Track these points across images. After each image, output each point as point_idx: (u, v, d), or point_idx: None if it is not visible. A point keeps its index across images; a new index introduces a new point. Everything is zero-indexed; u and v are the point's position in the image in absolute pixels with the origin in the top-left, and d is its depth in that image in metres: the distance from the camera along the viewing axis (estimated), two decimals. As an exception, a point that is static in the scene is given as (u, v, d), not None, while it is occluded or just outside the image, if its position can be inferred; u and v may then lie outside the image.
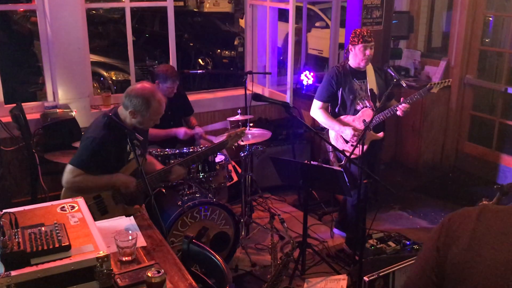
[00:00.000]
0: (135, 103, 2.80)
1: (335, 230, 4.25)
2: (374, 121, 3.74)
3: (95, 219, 2.79)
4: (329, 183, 3.48)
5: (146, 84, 2.91)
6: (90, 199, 2.89)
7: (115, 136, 2.83)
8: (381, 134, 3.91)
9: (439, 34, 6.23)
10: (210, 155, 3.30)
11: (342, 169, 3.30)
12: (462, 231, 1.42)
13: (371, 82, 3.88)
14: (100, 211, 2.93)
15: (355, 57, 3.79)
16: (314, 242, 4.03)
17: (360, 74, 3.86)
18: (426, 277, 1.48)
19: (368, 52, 3.73)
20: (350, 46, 3.78)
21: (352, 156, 3.53)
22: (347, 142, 3.88)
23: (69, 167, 2.81)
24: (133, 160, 2.97)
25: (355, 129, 3.78)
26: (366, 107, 3.84)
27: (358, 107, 3.86)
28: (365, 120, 3.62)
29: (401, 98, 3.79)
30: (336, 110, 3.91)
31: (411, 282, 1.56)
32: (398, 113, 3.75)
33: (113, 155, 2.87)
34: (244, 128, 3.51)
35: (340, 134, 3.88)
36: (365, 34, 3.70)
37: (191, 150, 3.71)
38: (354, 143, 3.78)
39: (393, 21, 5.45)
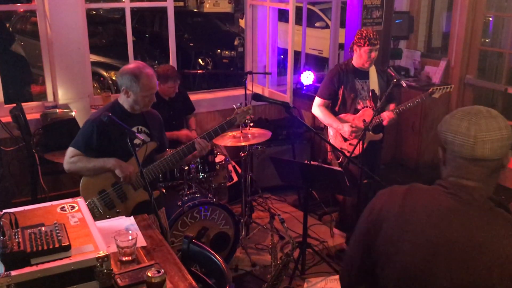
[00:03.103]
0: (125, 80, 2.83)
1: (335, 230, 4.25)
2: (373, 122, 3.75)
3: (116, 206, 2.85)
4: (329, 183, 3.48)
5: (136, 62, 2.95)
6: (109, 186, 2.90)
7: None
8: (380, 135, 3.92)
9: (439, 34, 6.23)
10: (221, 132, 3.27)
11: (342, 170, 3.30)
12: (390, 209, 1.50)
13: (373, 83, 3.89)
14: (120, 198, 2.93)
15: (360, 58, 3.80)
16: (314, 242, 4.03)
17: (362, 74, 3.88)
18: (360, 255, 1.58)
19: (373, 54, 3.75)
20: (355, 47, 3.78)
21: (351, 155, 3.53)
22: (345, 140, 3.89)
23: (68, 149, 2.89)
24: (142, 146, 2.92)
25: (353, 126, 3.80)
26: (367, 107, 3.86)
27: (359, 107, 3.87)
28: (365, 120, 3.62)
29: (392, 105, 3.82)
30: (337, 108, 3.93)
31: (348, 261, 1.65)
32: (384, 122, 3.79)
33: (112, 139, 2.86)
34: (250, 105, 3.47)
35: (339, 132, 3.89)
36: (372, 36, 3.71)
37: (195, 159, 3.67)
38: (353, 141, 3.79)
39: (397, 21, 5.45)
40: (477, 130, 1.38)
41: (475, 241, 1.36)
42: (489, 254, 1.33)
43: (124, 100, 2.90)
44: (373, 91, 3.88)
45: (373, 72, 3.91)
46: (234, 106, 3.43)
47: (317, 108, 3.96)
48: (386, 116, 3.79)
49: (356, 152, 3.62)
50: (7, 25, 8.84)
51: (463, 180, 1.43)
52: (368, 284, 1.62)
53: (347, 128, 3.80)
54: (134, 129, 2.94)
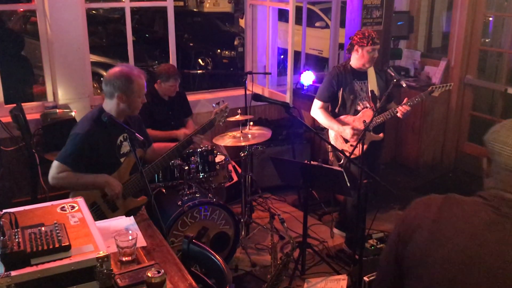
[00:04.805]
0: (118, 84, 2.79)
1: (335, 230, 4.25)
2: (374, 122, 3.74)
3: (107, 217, 2.84)
4: (329, 183, 3.48)
5: (120, 66, 2.92)
6: (99, 198, 2.90)
7: (101, 130, 2.82)
8: (381, 135, 3.91)
9: (439, 34, 6.23)
10: (203, 134, 3.43)
11: (342, 169, 3.30)
12: (424, 218, 1.46)
13: (372, 83, 3.88)
14: (111, 209, 2.94)
15: (361, 59, 3.77)
16: (314, 242, 4.03)
17: (361, 75, 3.87)
18: (389, 265, 1.53)
19: (375, 54, 3.74)
20: (357, 47, 3.76)
21: (352, 156, 3.53)
22: (346, 142, 3.89)
23: (54, 163, 2.81)
24: (130, 154, 2.97)
25: (354, 128, 3.79)
26: (366, 107, 3.85)
27: (359, 108, 3.86)
28: (365, 121, 3.62)
29: (405, 99, 3.79)
30: (336, 110, 3.92)
31: (379, 271, 1.62)
32: (398, 115, 3.76)
33: (101, 150, 2.85)
34: (226, 103, 3.58)
35: (340, 134, 3.89)
36: (374, 36, 3.71)
37: (191, 150, 3.71)
38: (354, 143, 3.78)
39: (399, 22, 5.46)
40: None
41: (509, 256, 1.32)
42: None
43: (113, 107, 2.85)
44: (372, 91, 3.87)
45: (371, 72, 3.90)
46: (212, 106, 3.54)
47: (317, 110, 3.95)
48: (401, 108, 3.74)
49: (357, 153, 3.61)
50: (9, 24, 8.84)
51: (506, 194, 1.38)
52: None
53: (348, 131, 3.78)
54: (121, 137, 2.94)
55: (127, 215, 2.90)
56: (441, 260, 1.38)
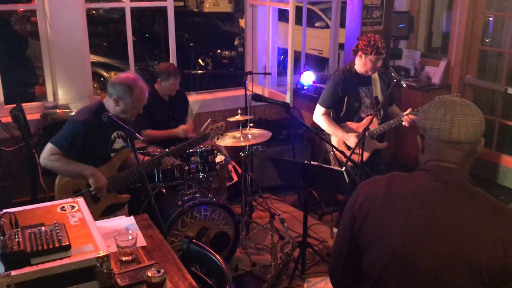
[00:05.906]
0: (118, 90, 2.89)
1: (335, 230, 4.25)
2: (378, 130, 3.73)
3: (87, 207, 2.88)
4: (329, 183, 3.47)
5: (130, 74, 3.03)
6: (84, 187, 2.95)
7: (98, 122, 2.89)
8: (385, 144, 3.89)
9: (439, 34, 6.24)
10: (194, 146, 3.52)
11: (342, 170, 3.29)
12: (374, 197, 1.61)
13: (376, 89, 3.84)
14: (93, 199, 2.99)
15: (364, 65, 3.71)
16: (314, 242, 4.03)
17: (365, 80, 3.81)
18: (344, 245, 1.70)
19: (379, 63, 3.68)
20: (360, 53, 3.68)
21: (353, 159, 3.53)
22: (349, 148, 3.85)
23: (48, 145, 2.90)
24: (121, 151, 3.07)
25: (358, 136, 3.75)
26: (371, 115, 3.81)
27: (363, 115, 3.82)
28: (368, 128, 3.60)
29: (409, 109, 3.72)
30: (341, 116, 3.88)
31: (336, 254, 1.77)
32: (404, 124, 3.68)
33: (94, 141, 2.93)
34: (223, 122, 3.62)
35: (344, 141, 3.84)
36: (380, 45, 3.59)
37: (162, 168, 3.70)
38: (357, 150, 3.74)
39: (400, 25, 5.45)
40: (453, 115, 1.50)
41: (457, 217, 1.46)
42: (470, 230, 1.42)
43: (111, 106, 2.95)
44: (376, 98, 3.83)
45: (375, 76, 3.84)
46: (208, 121, 3.62)
47: (320, 117, 3.88)
48: (407, 118, 3.66)
49: (358, 159, 3.61)
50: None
51: (442, 163, 1.54)
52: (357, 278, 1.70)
53: (353, 139, 3.74)
54: (115, 134, 3.04)
55: (108, 209, 3.04)
56: (396, 229, 1.52)
